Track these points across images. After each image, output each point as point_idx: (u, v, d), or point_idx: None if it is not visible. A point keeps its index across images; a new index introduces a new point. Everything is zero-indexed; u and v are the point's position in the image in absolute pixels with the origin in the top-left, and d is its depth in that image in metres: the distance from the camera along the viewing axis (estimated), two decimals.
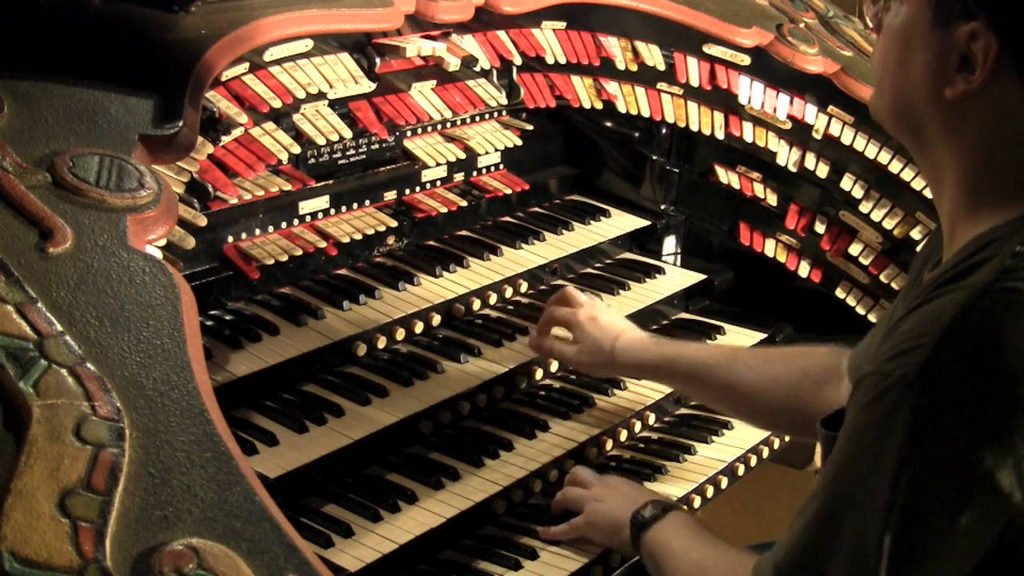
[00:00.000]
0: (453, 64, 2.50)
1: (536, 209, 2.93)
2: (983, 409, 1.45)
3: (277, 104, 2.20)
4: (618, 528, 2.03)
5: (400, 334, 2.32)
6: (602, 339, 2.35)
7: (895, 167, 2.83)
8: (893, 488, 1.47)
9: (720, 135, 2.94)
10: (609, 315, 2.42)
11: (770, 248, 3.02)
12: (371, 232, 2.44)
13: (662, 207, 3.10)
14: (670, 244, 3.09)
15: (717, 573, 1.80)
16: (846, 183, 2.88)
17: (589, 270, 2.87)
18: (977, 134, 1.58)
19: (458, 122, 2.71)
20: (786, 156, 2.93)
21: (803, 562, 1.56)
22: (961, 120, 1.58)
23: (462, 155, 2.66)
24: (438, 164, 2.62)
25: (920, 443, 1.46)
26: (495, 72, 2.68)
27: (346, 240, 2.39)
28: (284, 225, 2.35)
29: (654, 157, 3.10)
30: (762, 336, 2.86)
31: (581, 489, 2.14)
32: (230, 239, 2.25)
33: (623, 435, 2.43)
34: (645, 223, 3.02)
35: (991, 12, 1.51)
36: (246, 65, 2.17)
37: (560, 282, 2.75)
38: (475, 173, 2.79)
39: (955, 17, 1.54)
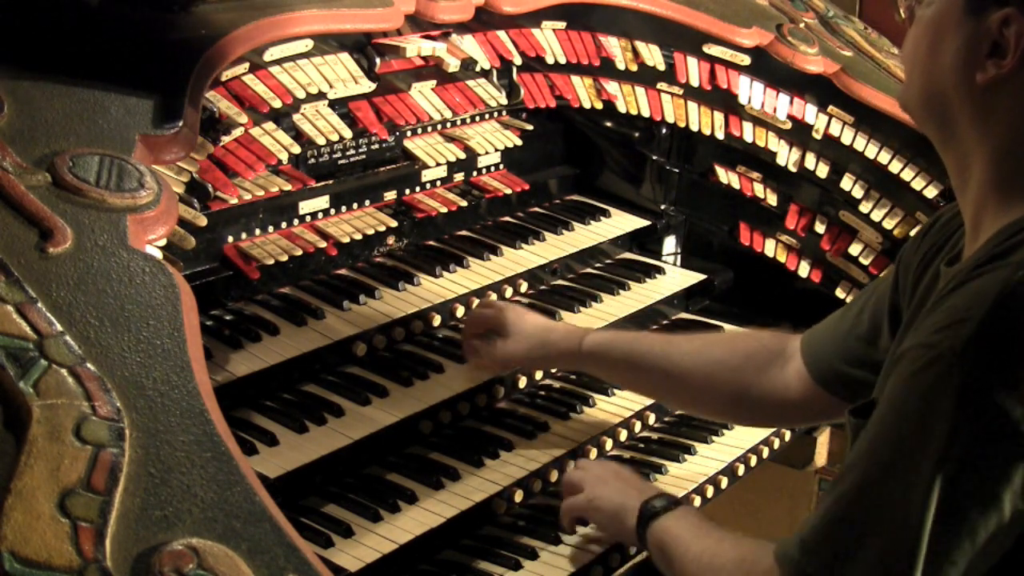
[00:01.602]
0: (452, 65, 2.50)
1: (536, 209, 2.93)
2: None
3: (277, 104, 2.20)
4: (623, 515, 2.00)
5: (400, 334, 2.32)
6: (535, 331, 2.31)
7: (895, 167, 2.83)
8: (940, 458, 1.46)
9: (720, 135, 2.94)
10: (534, 314, 2.39)
11: (770, 248, 3.02)
12: (371, 232, 2.44)
13: (662, 207, 3.10)
14: (670, 244, 3.09)
15: (732, 556, 1.77)
16: (846, 183, 2.88)
17: (589, 270, 2.87)
18: (1007, 120, 1.59)
19: (458, 122, 2.71)
20: (786, 156, 2.93)
21: (832, 535, 1.54)
22: (991, 106, 1.60)
23: (462, 155, 2.66)
24: (438, 164, 2.62)
25: (969, 413, 1.46)
26: (495, 72, 2.68)
27: (346, 240, 2.39)
28: (284, 225, 2.35)
29: (654, 157, 3.11)
30: None
31: (579, 473, 2.12)
32: (230, 239, 2.25)
33: (623, 435, 2.43)
34: (645, 223, 3.02)
35: None
36: (246, 65, 2.17)
37: (560, 282, 2.75)
38: (475, 173, 2.79)
39: (988, 4, 1.56)
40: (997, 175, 1.61)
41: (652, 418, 2.53)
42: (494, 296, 2.53)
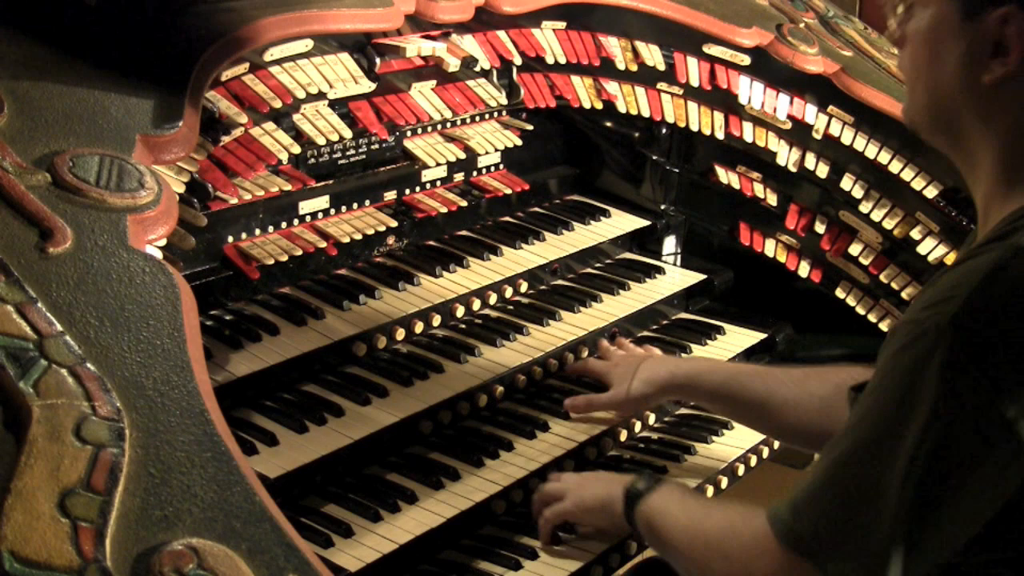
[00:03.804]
0: (453, 64, 2.50)
1: (536, 209, 2.93)
2: (1011, 359, 1.49)
3: (277, 104, 2.20)
4: (609, 504, 2.02)
5: (400, 334, 2.32)
6: (629, 374, 2.36)
7: (895, 167, 2.83)
8: (921, 432, 1.50)
9: (720, 135, 2.94)
10: (633, 355, 2.45)
11: (770, 248, 3.02)
12: (371, 232, 2.44)
13: (662, 207, 3.10)
14: (670, 244, 3.09)
15: (721, 522, 1.80)
16: (846, 183, 2.88)
17: (589, 270, 2.87)
18: (1012, 113, 1.63)
19: (458, 122, 2.71)
20: (786, 156, 2.92)
21: (821, 499, 1.59)
22: (997, 104, 1.63)
23: (462, 155, 2.66)
24: (438, 164, 2.62)
25: (949, 389, 1.50)
26: (495, 72, 2.68)
27: (346, 240, 2.39)
28: (284, 225, 2.35)
29: (654, 157, 3.11)
30: (762, 336, 2.87)
31: (557, 484, 2.13)
32: (230, 239, 2.25)
33: (623, 435, 2.43)
34: (645, 223, 3.02)
35: None
36: (246, 65, 2.17)
37: (560, 282, 2.76)
38: (475, 173, 2.79)
39: (983, 6, 1.59)
40: (1003, 167, 1.65)
41: (652, 418, 2.53)
42: (494, 296, 2.53)
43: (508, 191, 2.79)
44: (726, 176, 3.02)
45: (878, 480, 1.53)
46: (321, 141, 2.30)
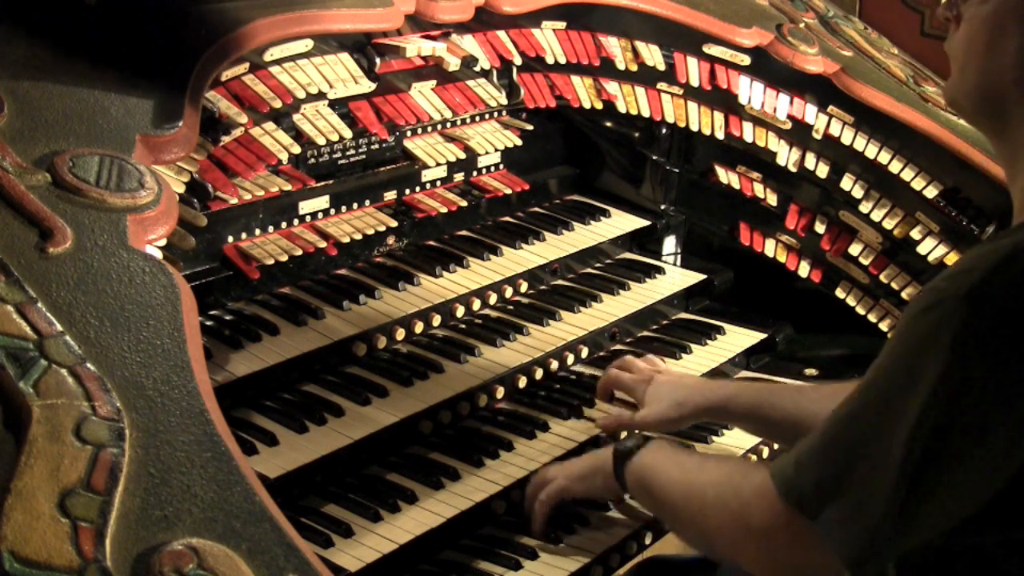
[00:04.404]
0: (453, 64, 2.51)
1: (536, 209, 2.93)
2: (1022, 335, 1.50)
3: (277, 104, 2.20)
4: (599, 466, 2.05)
5: (400, 334, 2.32)
6: (662, 394, 2.35)
7: (895, 167, 2.83)
8: (929, 398, 1.51)
9: (720, 135, 2.94)
10: (665, 375, 2.43)
11: (770, 248, 3.02)
12: (371, 232, 2.44)
13: (662, 207, 3.10)
14: (670, 244, 3.09)
15: (717, 475, 1.80)
16: (846, 183, 2.88)
17: (589, 270, 2.87)
18: None
19: (458, 122, 2.71)
20: (786, 156, 2.92)
21: (825, 455, 1.61)
22: None
23: (462, 155, 2.66)
24: (438, 164, 2.62)
25: (959, 359, 1.51)
26: (495, 72, 2.68)
27: (346, 240, 2.39)
28: (284, 225, 2.35)
29: (654, 157, 3.11)
30: (762, 336, 2.87)
31: (544, 471, 2.14)
32: (230, 239, 2.25)
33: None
34: (645, 223, 3.02)
35: None
36: (246, 65, 2.17)
37: (560, 282, 2.76)
38: (475, 173, 2.79)
39: None
40: None
41: None
42: (494, 296, 2.53)
43: (508, 191, 2.79)
44: (726, 176, 3.02)
45: (882, 440, 1.54)
46: (321, 141, 2.31)
